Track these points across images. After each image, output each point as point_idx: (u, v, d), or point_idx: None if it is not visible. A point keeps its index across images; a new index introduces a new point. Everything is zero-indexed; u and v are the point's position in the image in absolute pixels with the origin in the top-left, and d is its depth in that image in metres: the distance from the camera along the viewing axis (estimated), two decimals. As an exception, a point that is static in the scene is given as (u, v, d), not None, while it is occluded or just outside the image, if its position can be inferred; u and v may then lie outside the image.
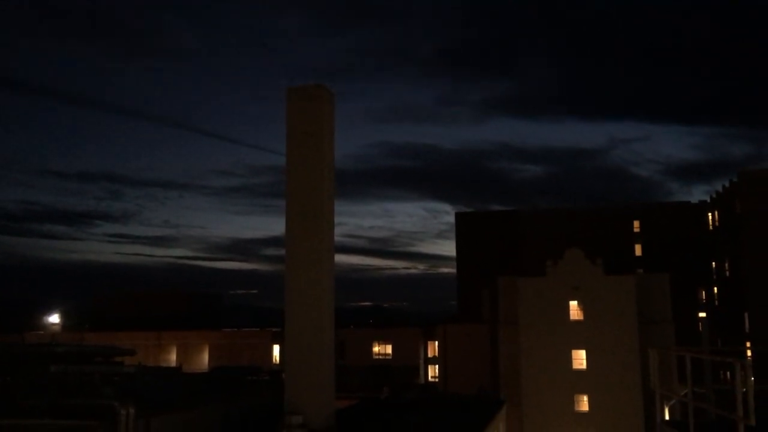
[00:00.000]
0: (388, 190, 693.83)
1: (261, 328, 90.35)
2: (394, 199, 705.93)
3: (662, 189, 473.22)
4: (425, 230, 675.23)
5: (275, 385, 29.60)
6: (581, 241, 72.70)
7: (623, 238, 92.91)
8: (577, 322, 60.86)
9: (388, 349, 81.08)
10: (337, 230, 27.45)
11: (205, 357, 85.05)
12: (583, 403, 60.04)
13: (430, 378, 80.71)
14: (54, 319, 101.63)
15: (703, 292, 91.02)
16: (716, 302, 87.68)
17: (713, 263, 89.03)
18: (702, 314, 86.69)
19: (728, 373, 59.20)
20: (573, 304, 61.42)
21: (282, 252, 25.95)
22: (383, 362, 79.77)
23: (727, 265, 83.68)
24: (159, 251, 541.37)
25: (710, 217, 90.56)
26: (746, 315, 75.59)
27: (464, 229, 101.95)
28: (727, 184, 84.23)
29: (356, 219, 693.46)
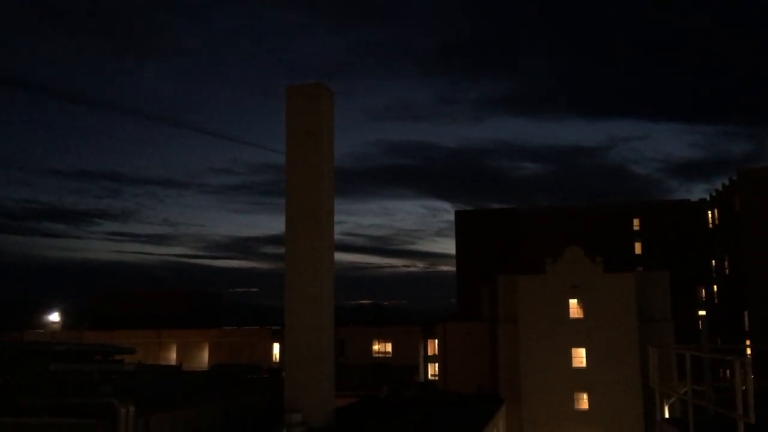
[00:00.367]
0: (388, 188, 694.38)
1: (261, 327, 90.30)
2: (394, 197, 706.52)
3: (662, 187, 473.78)
4: (425, 228, 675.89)
5: (275, 383, 29.58)
6: (581, 239, 72.70)
7: (623, 236, 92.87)
8: (576, 320, 60.87)
9: (388, 347, 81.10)
10: (337, 228, 27.47)
11: (205, 355, 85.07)
12: (583, 401, 60.05)
13: (429, 376, 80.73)
14: (54, 317, 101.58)
15: (703, 290, 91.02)
16: (716, 300, 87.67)
17: (713, 261, 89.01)
18: (702, 312, 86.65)
19: (728, 371, 59.24)
20: (573, 302, 61.43)
21: (282, 250, 25.98)
22: (383, 360, 79.77)
23: (726, 263, 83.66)
24: (158, 249, 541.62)
25: (710, 215, 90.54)
26: (746, 313, 75.57)
27: (464, 227, 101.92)
28: (726, 183, 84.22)
29: (356, 217, 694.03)
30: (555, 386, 60.06)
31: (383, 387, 47.72)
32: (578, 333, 60.41)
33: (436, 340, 78.63)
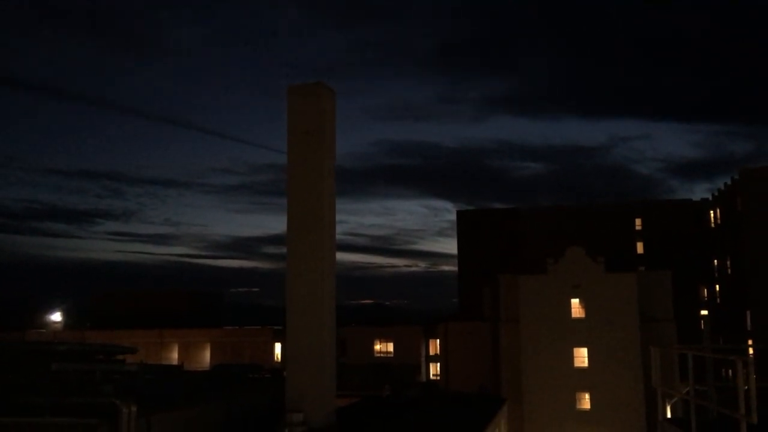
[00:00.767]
0: (389, 187, 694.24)
1: (262, 327, 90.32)
2: (395, 197, 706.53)
3: (663, 186, 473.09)
4: (426, 228, 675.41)
5: (276, 383, 29.57)
6: (582, 239, 72.64)
7: (624, 236, 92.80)
8: (578, 320, 60.83)
9: (390, 347, 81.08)
10: (338, 228, 27.46)
11: (207, 355, 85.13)
12: (585, 401, 60.02)
13: (431, 376, 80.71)
14: (55, 317, 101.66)
15: (705, 290, 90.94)
16: (718, 300, 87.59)
17: (715, 261, 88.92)
18: (704, 312, 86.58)
19: (730, 370, 59.21)
20: (574, 302, 61.39)
21: (283, 250, 25.98)
22: (384, 360, 79.76)
23: (728, 262, 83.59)
24: (160, 249, 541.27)
25: (711, 215, 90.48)
26: (748, 312, 75.53)
27: (465, 227, 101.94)
28: (728, 182, 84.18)
29: (357, 217, 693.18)
30: (557, 386, 60.03)
31: (385, 387, 47.68)
32: (580, 333, 60.39)
33: (438, 340, 78.61)
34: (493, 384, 64.26)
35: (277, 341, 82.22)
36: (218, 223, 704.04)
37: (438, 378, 77.74)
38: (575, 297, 61.38)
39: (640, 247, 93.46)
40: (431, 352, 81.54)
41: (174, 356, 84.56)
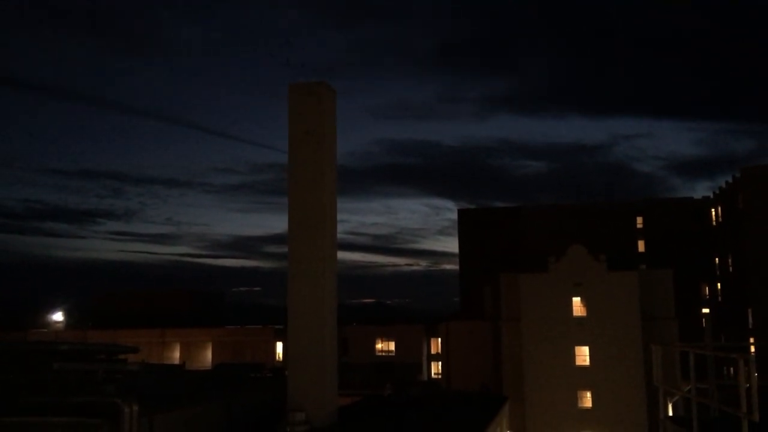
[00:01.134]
0: (390, 186, 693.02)
1: (263, 326, 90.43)
2: (396, 195, 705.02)
3: (665, 185, 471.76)
4: (427, 227, 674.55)
5: (278, 382, 29.57)
6: (584, 238, 72.67)
7: (626, 235, 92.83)
8: (580, 318, 60.85)
9: (391, 346, 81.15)
10: (340, 227, 27.46)
11: (208, 354, 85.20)
12: (587, 400, 60.05)
13: (433, 375, 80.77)
14: (57, 317, 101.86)
15: (707, 288, 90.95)
16: (719, 298, 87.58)
17: (716, 259, 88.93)
18: (705, 310, 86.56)
19: (732, 368, 59.19)
20: (576, 300, 61.41)
21: (284, 249, 25.95)
22: (386, 359, 79.84)
23: (730, 260, 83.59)
24: (161, 249, 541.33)
25: (713, 213, 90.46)
26: (749, 310, 75.54)
27: (467, 226, 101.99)
28: (730, 180, 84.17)
29: (358, 216, 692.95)
30: (558, 384, 60.06)
31: (386, 386, 47.65)
32: (581, 331, 60.40)
33: (439, 339, 78.63)
34: (494, 383, 64.27)
35: (279, 340, 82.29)
36: (219, 223, 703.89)
37: (439, 377, 77.78)
38: (577, 295, 61.40)
39: (641, 246, 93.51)
40: (433, 351, 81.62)
41: (176, 356, 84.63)
